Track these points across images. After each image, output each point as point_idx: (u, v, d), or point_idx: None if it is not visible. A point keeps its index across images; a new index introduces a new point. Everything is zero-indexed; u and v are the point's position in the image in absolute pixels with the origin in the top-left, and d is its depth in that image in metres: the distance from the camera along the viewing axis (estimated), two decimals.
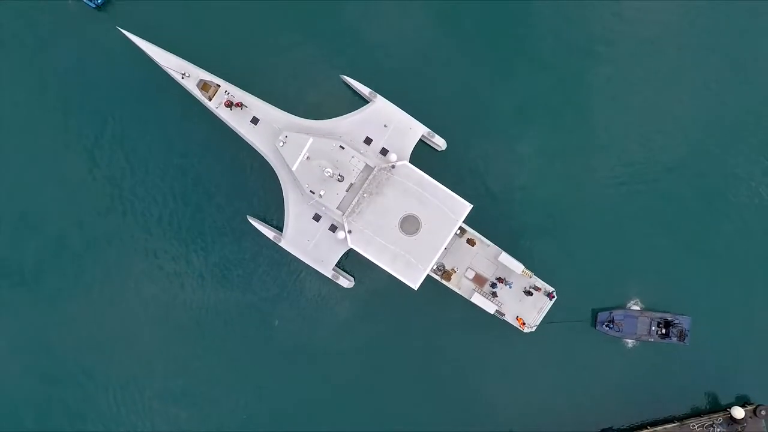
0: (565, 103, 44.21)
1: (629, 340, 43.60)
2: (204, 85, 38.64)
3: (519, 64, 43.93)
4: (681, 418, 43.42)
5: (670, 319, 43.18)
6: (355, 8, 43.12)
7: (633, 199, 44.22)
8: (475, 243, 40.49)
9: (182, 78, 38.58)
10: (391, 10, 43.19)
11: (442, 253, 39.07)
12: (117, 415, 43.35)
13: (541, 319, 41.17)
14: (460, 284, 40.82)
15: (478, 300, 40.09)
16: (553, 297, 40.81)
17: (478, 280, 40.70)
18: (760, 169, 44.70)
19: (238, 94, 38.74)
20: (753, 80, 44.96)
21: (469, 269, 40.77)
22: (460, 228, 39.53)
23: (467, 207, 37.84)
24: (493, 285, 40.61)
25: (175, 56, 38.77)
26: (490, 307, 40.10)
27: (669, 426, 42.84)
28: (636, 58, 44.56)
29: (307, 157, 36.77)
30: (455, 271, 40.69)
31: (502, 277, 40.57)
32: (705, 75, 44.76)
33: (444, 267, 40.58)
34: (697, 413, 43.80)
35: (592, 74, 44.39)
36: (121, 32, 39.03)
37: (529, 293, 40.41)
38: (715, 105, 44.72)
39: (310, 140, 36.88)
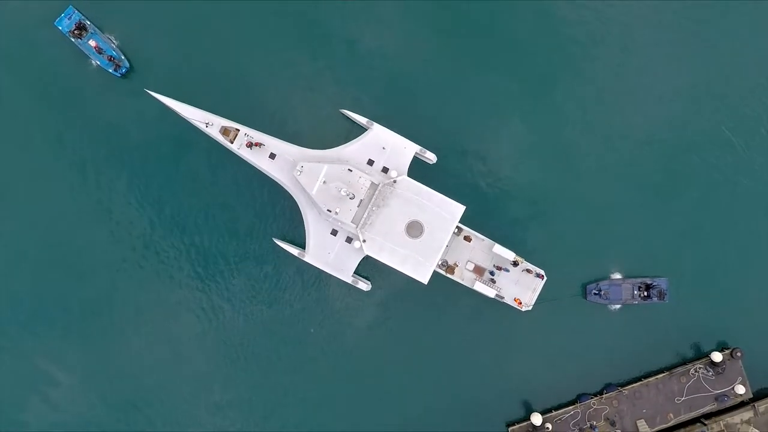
0: (534, 103, 47.29)
1: (616, 306, 47.12)
2: (225, 131, 42.54)
3: (493, 75, 47.14)
4: (670, 368, 47.17)
5: (649, 282, 46.81)
6: (348, 56, 47.18)
7: (604, 179, 47.38)
8: (471, 239, 44.15)
9: (206, 127, 42.45)
10: (379, 57, 47.34)
11: (444, 250, 42.18)
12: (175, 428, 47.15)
13: (536, 298, 44.57)
14: (462, 276, 44.43)
15: (480, 287, 43.73)
16: (544, 278, 44.46)
17: (478, 270, 44.45)
18: (720, 139, 48.10)
19: (256, 136, 42.61)
20: (718, 59, 48.07)
21: (468, 262, 44.39)
22: (457, 227, 42.81)
23: (461, 208, 41.55)
24: (492, 273, 44.51)
25: (198, 109, 42.56)
26: (490, 293, 43.72)
27: (660, 376, 46.65)
28: (605, 54, 47.63)
29: (324, 182, 40.61)
30: (457, 265, 44.31)
31: (500, 265, 44.37)
32: (673, 63, 47.87)
33: (447, 262, 44.22)
34: (682, 362, 47.42)
35: (564, 72, 47.34)
36: (149, 93, 42.79)
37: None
38: (681, 83, 47.92)
39: (325, 167, 40.64)
